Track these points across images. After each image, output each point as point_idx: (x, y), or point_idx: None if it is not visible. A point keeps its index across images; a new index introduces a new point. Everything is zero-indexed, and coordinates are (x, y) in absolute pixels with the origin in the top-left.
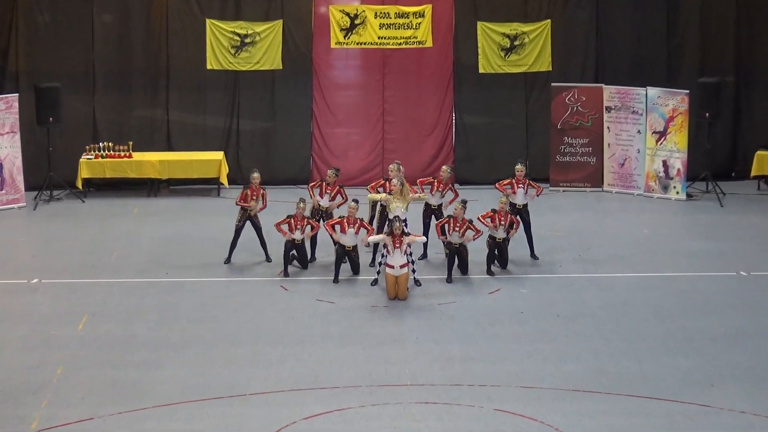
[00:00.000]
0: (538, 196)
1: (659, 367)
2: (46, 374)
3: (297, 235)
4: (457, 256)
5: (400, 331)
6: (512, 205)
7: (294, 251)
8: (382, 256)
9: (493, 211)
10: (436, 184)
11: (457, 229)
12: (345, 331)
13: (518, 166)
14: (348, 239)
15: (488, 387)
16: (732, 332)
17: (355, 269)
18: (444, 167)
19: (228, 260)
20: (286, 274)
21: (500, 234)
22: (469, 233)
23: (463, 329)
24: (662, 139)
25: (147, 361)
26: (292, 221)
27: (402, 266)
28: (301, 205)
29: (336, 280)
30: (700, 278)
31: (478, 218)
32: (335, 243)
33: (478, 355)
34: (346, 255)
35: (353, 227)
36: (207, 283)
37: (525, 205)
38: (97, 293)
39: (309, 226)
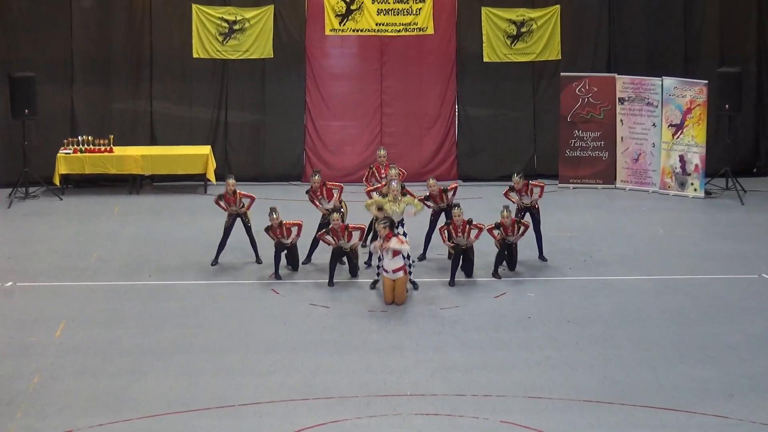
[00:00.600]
0: (540, 197)
1: (675, 376)
2: (21, 383)
3: (284, 240)
4: (462, 256)
5: (400, 338)
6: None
7: (285, 252)
8: (379, 258)
9: (497, 225)
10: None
11: (460, 234)
12: (340, 338)
13: (515, 178)
14: (343, 244)
15: (493, 397)
16: (753, 339)
17: (353, 271)
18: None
19: (215, 262)
20: (277, 276)
21: (510, 239)
22: (473, 231)
23: (467, 336)
24: (679, 132)
25: (129, 370)
26: (272, 234)
27: (396, 270)
28: (274, 215)
29: (331, 283)
30: (719, 281)
31: (487, 230)
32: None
33: (483, 364)
34: (343, 255)
35: (344, 237)
36: (193, 287)
37: (532, 203)
38: (76, 297)
39: (296, 227)
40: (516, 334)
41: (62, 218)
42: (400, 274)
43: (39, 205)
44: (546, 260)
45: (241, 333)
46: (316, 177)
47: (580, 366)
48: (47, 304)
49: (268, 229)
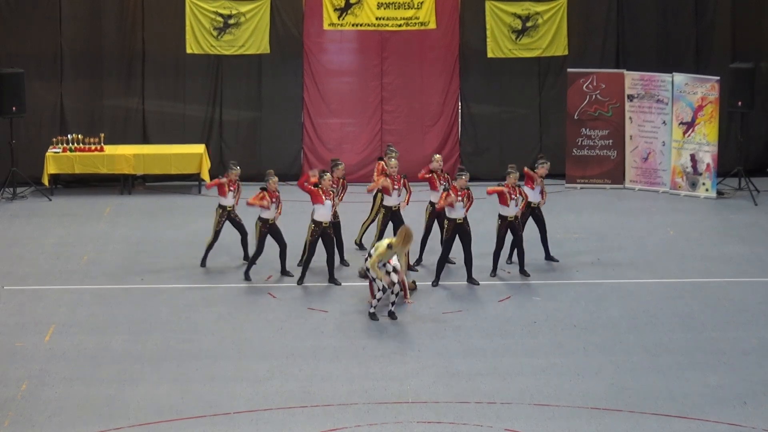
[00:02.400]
0: (543, 202)
1: (686, 382)
2: (9, 390)
3: (271, 213)
4: (460, 236)
5: (401, 344)
6: (527, 204)
7: (269, 234)
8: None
9: (499, 185)
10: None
11: (460, 198)
12: (339, 343)
13: (541, 161)
14: (324, 212)
15: (498, 404)
16: (766, 344)
17: (339, 248)
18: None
19: (203, 263)
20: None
21: (511, 211)
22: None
23: (470, 341)
24: (690, 130)
25: (121, 377)
26: (267, 194)
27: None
28: (273, 179)
29: (304, 265)
30: (732, 285)
31: (488, 191)
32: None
33: (487, 370)
34: (321, 234)
35: (330, 199)
36: (186, 290)
37: (539, 204)
38: (66, 301)
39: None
40: (521, 339)
41: (51, 219)
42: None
43: (27, 206)
44: (557, 261)
45: (236, 338)
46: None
47: (588, 372)
48: (35, 308)
49: (264, 189)
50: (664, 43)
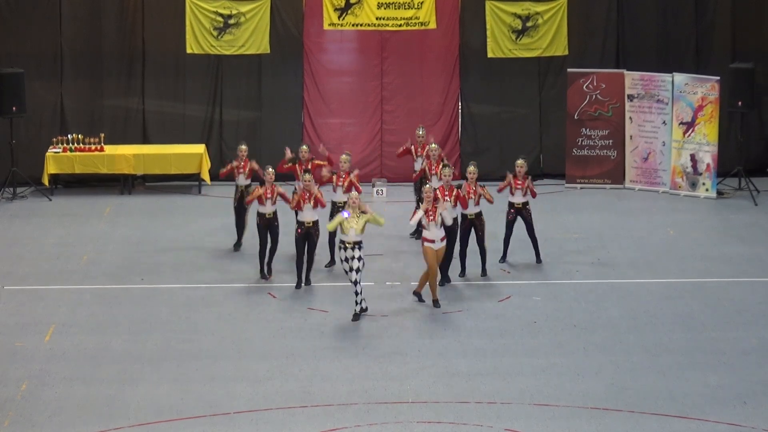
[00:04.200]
0: (533, 194)
1: (685, 382)
2: (9, 390)
3: (268, 208)
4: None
5: (401, 344)
6: (510, 204)
7: (268, 232)
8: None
9: (458, 186)
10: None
11: (447, 197)
12: (340, 344)
13: (519, 161)
14: (306, 214)
15: (498, 404)
16: (766, 344)
17: (311, 251)
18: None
19: (238, 245)
20: (263, 275)
21: (472, 210)
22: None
23: (470, 341)
24: (690, 130)
25: (121, 377)
26: (262, 193)
27: (442, 239)
28: (270, 169)
29: (301, 260)
30: (732, 285)
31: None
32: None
33: (487, 370)
34: (306, 236)
35: (309, 202)
36: (186, 290)
37: (525, 204)
38: (66, 301)
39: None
40: (521, 339)
41: (51, 219)
42: (444, 242)
43: (27, 206)
44: (540, 262)
45: (236, 338)
46: (345, 157)
47: (588, 372)
48: (35, 308)
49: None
50: (664, 43)
